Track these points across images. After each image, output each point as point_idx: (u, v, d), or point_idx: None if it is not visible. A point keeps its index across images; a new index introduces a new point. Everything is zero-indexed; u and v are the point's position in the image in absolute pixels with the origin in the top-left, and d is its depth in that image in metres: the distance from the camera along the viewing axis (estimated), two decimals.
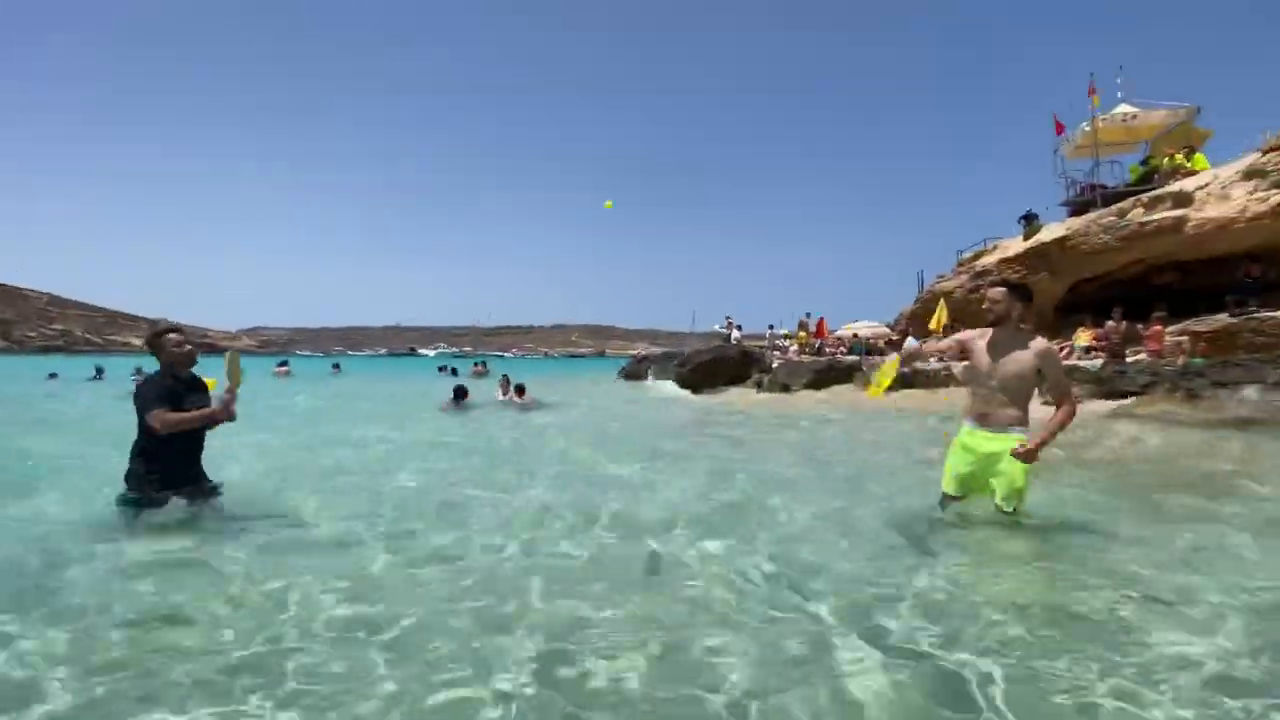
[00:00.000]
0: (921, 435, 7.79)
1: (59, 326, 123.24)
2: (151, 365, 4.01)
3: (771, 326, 23.31)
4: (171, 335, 3.90)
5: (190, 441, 3.81)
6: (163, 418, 3.58)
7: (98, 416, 10.39)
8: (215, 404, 3.84)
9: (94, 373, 22.04)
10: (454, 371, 21.02)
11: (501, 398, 12.37)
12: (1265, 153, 12.94)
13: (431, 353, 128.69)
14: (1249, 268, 11.83)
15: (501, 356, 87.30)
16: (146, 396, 3.65)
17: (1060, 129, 19.11)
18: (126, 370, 20.41)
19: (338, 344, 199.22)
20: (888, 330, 21.46)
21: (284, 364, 25.65)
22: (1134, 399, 8.33)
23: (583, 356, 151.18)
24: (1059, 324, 15.99)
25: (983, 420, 3.47)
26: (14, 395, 15.79)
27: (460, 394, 11.57)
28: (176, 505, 3.78)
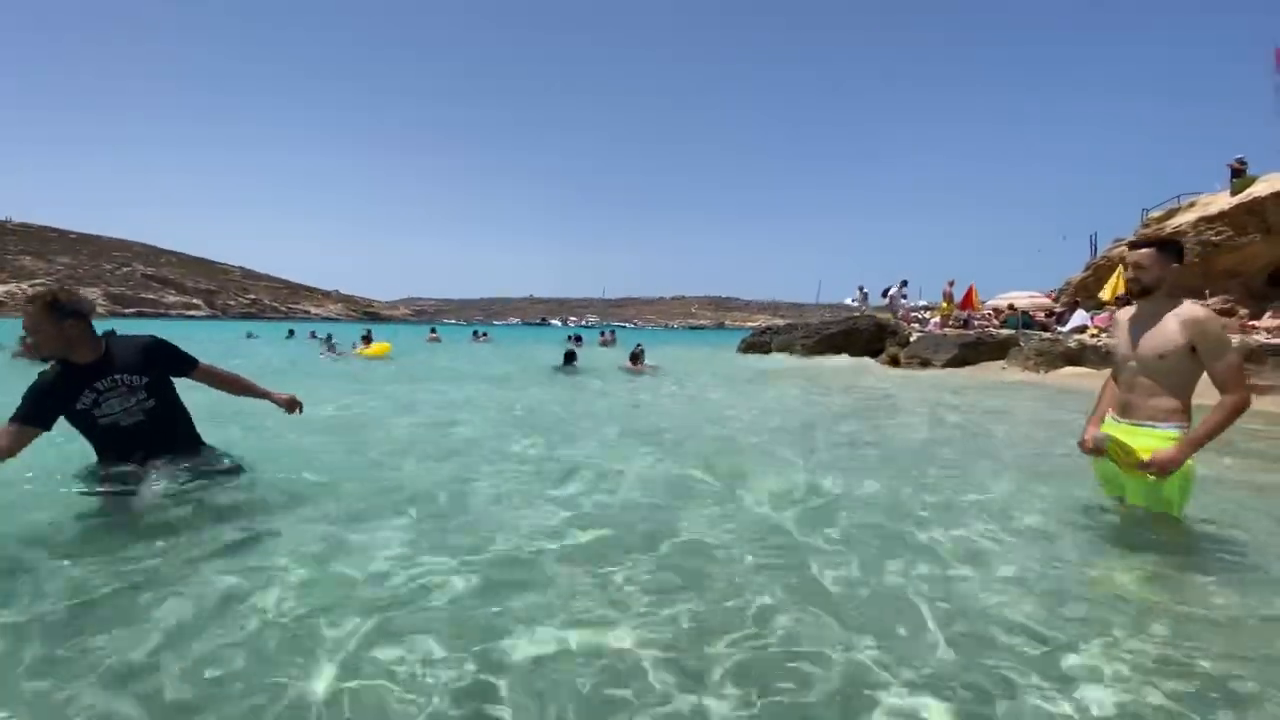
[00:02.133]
0: None
1: (252, 296, 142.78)
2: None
3: (900, 285, 20.41)
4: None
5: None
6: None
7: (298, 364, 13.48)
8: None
9: (287, 333, 27.16)
10: (579, 340, 21.79)
11: (630, 366, 12.68)
12: None
13: (558, 323, 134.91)
14: None
15: (623, 327, 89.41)
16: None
17: None
18: (303, 333, 27.25)
19: (478, 314, 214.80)
20: (1049, 301, 19.26)
21: (434, 331, 28.06)
22: None
23: (703, 328, 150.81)
24: (1272, 296, 13.54)
25: (1124, 411, 2.82)
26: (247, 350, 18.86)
27: (570, 358, 12.78)
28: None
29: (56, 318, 2.71)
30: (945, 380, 11.69)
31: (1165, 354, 2.63)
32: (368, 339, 16.82)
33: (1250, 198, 13.92)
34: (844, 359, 16.27)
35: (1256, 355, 8.87)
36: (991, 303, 19.37)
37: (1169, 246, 2.78)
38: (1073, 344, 12.08)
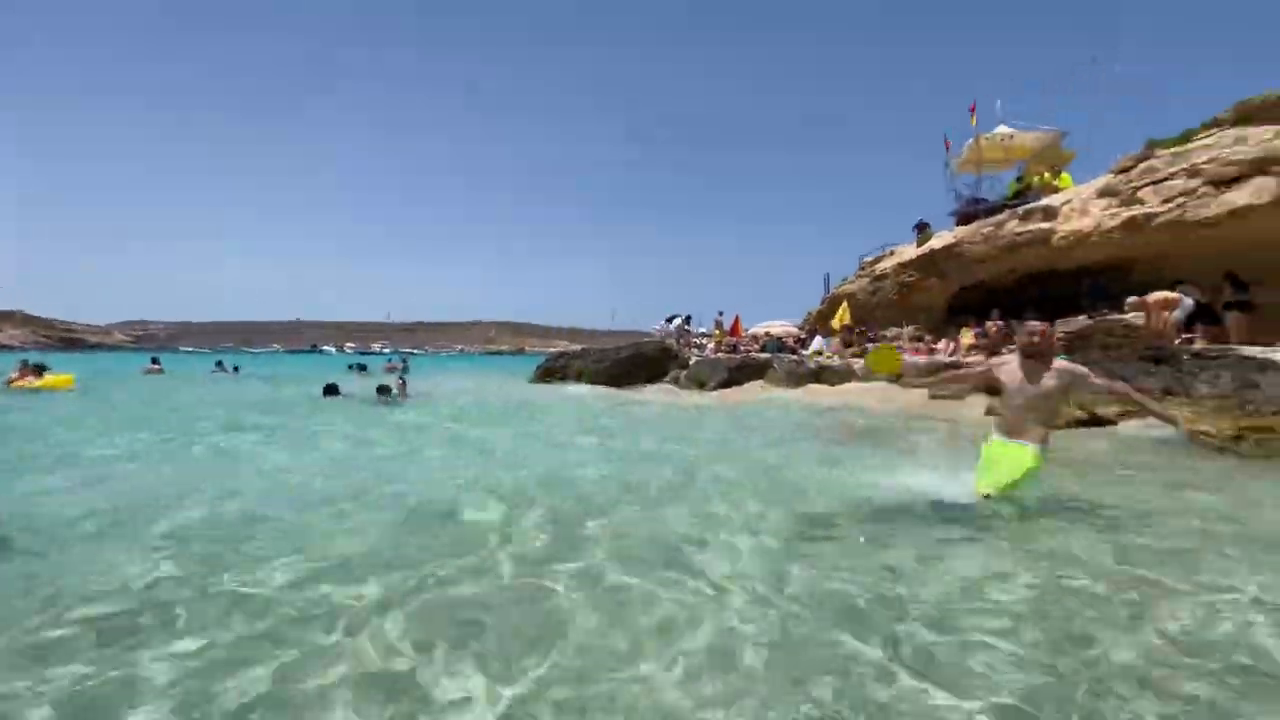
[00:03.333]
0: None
1: None
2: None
3: (685, 319, 22.81)
4: None
5: None
6: None
7: None
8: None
9: None
10: (363, 368, 20.01)
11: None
12: (1117, 174, 14.65)
13: (331, 349, 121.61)
14: (1093, 279, 13.43)
15: (413, 353, 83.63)
16: None
17: (948, 146, 20.82)
18: None
19: (230, 340, 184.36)
20: (796, 330, 22.51)
21: (155, 361, 23.50)
22: None
23: (502, 353, 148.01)
24: (948, 324, 17.38)
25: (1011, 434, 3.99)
26: None
27: (331, 390, 11.95)
28: None
29: None
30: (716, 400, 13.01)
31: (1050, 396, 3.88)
32: (39, 369, 13.69)
33: (929, 249, 17.83)
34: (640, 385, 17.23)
35: (936, 369, 11.30)
36: (752, 330, 22.10)
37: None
38: (813, 365, 14.26)
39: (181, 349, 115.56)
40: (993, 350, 12.37)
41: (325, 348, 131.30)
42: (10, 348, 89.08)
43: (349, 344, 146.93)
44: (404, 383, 11.88)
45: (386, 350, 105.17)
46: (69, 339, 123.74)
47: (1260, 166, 10.71)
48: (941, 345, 15.08)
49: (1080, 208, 14.60)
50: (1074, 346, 11.69)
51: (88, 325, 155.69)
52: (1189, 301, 10.29)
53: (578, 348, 24.67)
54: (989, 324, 12.92)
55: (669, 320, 22.82)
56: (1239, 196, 10.80)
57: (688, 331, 22.59)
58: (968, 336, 14.57)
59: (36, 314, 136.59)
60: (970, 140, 19.83)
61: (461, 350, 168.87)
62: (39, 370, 13.71)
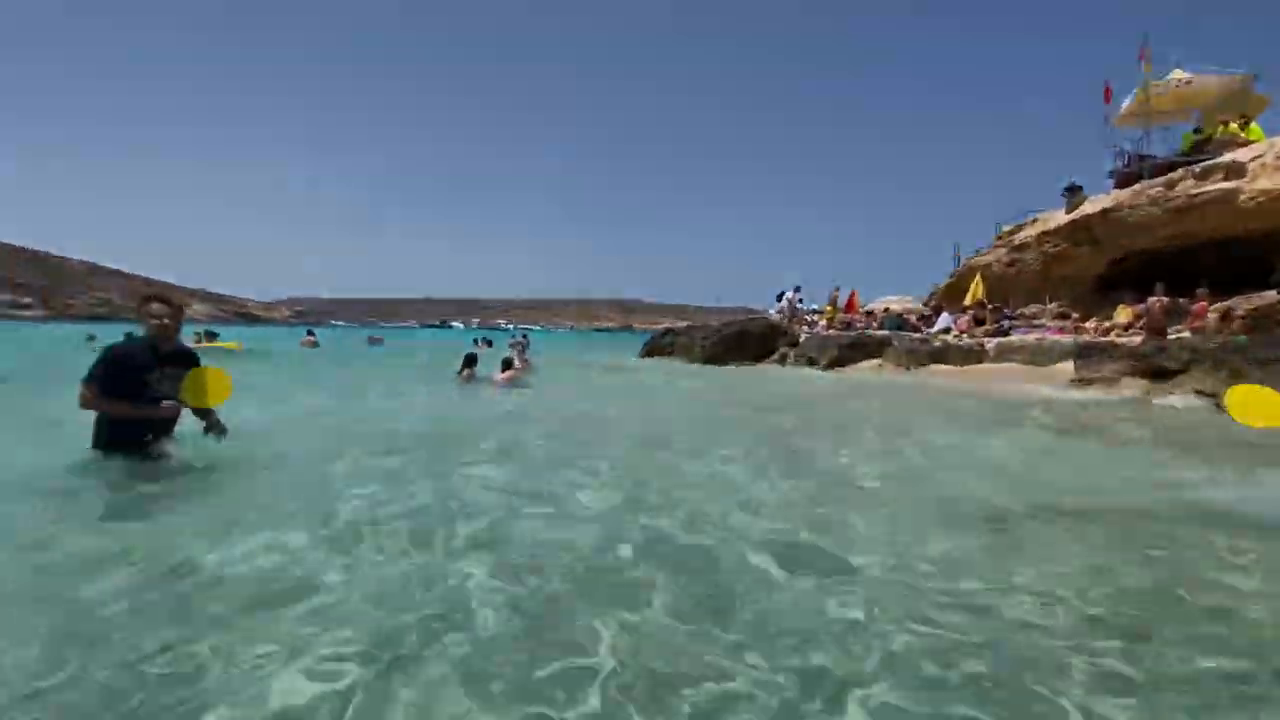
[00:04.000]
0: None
1: (100, 294, 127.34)
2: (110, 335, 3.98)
3: (795, 290, 20.85)
4: (154, 305, 3.73)
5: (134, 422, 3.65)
6: (84, 395, 3.52)
7: None
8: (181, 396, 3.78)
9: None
10: (489, 343, 21.12)
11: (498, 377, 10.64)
12: None
13: (460, 325, 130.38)
14: None
15: (531, 329, 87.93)
16: (95, 363, 3.56)
17: (1109, 96, 18.27)
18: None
19: (371, 315, 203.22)
20: (920, 305, 21.03)
21: (310, 334, 25.90)
22: (1174, 378, 8.10)
23: (609, 330, 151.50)
24: (1099, 301, 15.51)
25: None
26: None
27: (470, 360, 10.73)
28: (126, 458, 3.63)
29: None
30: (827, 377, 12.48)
31: None
32: (211, 335, 17.13)
33: (1081, 215, 15.91)
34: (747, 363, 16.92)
35: (1084, 351, 10.14)
36: (869, 306, 20.90)
37: None
38: (938, 344, 13.26)
39: (333, 323, 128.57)
40: (1156, 330, 10.88)
41: (454, 323, 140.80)
42: (198, 320, 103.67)
43: (474, 319, 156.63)
44: (526, 358, 12.16)
45: (510, 326, 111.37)
46: (243, 314, 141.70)
47: None
48: (1091, 325, 13.49)
49: (1275, 163, 12.38)
50: (1258, 326, 10.02)
51: (257, 301, 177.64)
52: None
53: (684, 324, 24.57)
54: (1152, 300, 11.33)
55: (778, 297, 21.92)
56: None
57: (799, 307, 21.65)
58: (1125, 314, 12.91)
59: (217, 291, 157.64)
60: (1137, 88, 17.31)
61: (571, 327, 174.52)
62: (211, 335, 17.37)
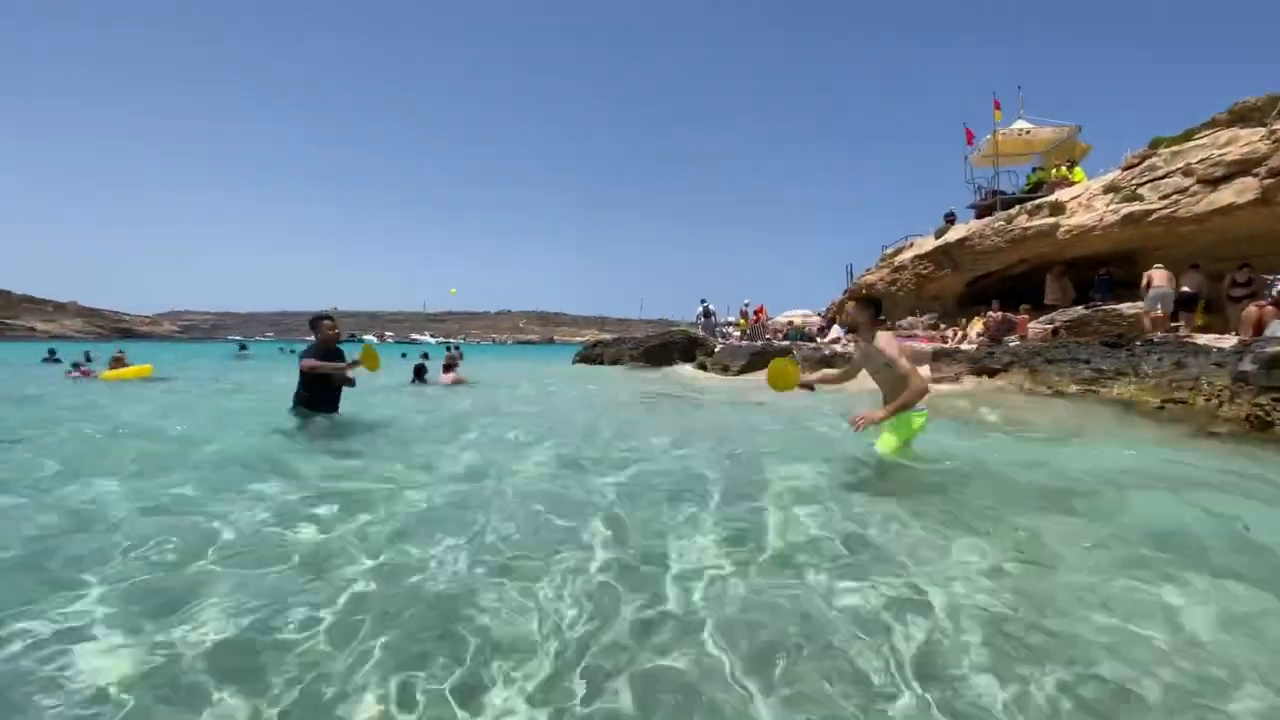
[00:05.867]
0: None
1: None
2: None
3: (704, 302, 23.79)
4: (326, 322, 6.14)
5: (328, 384, 6.11)
6: (308, 363, 5.90)
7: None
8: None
9: (46, 354, 21.36)
10: (426, 356, 21.67)
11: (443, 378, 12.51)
12: (1124, 170, 15.46)
13: (374, 339, 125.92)
14: (1107, 268, 14.34)
15: (448, 343, 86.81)
16: (305, 353, 6.03)
17: (970, 138, 21.57)
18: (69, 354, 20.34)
19: (269, 329, 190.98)
20: (819, 318, 23.64)
21: (244, 347, 25.79)
22: (999, 375, 10.42)
23: (532, 343, 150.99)
24: (964, 313, 18.39)
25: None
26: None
27: (420, 371, 12.77)
28: (320, 419, 6.00)
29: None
30: (740, 382, 14.38)
31: (876, 368, 4.41)
32: (119, 360, 14.60)
33: (944, 242, 18.79)
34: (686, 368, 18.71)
35: (937, 355, 12.49)
36: (775, 319, 23.33)
37: (865, 301, 4.62)
38: (827, 352, 15.52)
39: (230, 338, 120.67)
40: (994, 338, 13.48)
41: (366, 337, 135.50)
42: (68, 338, 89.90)
43: (388, 333, 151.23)
44: (457, 368, 13.32)
45: (435, 340, 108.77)
46: (121, 329, 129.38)
47: (1244, 168, 11.56)
48: (951, 333, 16.17)
49: (1086, 203, 15.47)
50: (1074, 332, 12.73)
51: (137, 315, 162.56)
52: (1170, 291, 11.30)
53: (609, 336, 26.33)
54: (990, 315, 13.99)
55: (704, 313, 23.96)
56: (1224, 196, 11.68)
57: (712, 318, 23.79)
58: (978, 325, 15.62)
59: (91, 305, 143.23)
60: (989, 135, 20.61)
61: (494, 340, 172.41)
62: (118, 361, 14.54)
